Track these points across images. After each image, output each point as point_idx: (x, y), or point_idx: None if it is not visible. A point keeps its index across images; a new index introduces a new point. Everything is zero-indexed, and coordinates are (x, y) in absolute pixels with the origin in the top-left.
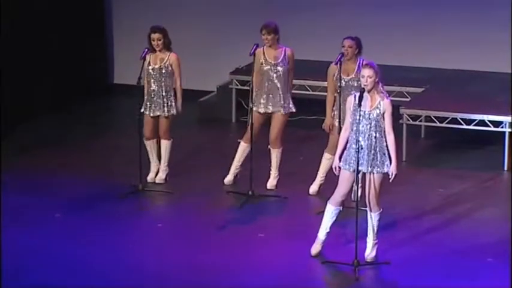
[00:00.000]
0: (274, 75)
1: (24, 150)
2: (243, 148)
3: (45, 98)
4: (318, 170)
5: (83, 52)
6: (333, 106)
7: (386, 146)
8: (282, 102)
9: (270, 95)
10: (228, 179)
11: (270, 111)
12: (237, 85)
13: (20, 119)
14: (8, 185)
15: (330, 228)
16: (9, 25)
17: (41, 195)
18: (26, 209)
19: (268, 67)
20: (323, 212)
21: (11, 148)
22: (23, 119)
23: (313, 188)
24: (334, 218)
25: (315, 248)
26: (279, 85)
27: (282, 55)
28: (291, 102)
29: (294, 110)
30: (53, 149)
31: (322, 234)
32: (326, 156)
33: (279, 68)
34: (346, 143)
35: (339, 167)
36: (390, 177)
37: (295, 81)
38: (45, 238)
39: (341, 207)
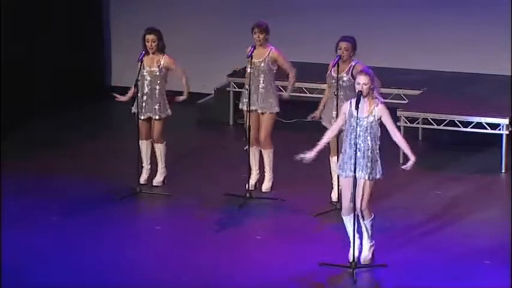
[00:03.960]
0: (257, 73)
1: (21, 151)
2: (251, 153)
3: (42, 99)
4: (331, 178)
5: (81, 54)
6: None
7: (378, 152)
8: (265, 100)
9: (256, 94)
10: (251, 183)
11: (259, 111)
12: (235, 87)
13: (17, 121)
14: (5, 187)
15: (358, 232)
16: (8, 26)
17: (38, 197)
18: (23, 211)
19: (252, 65)
20: (321, 214)
21: (8, 149)
22: (20, 120)
23: (334, 195)
24: (355, 225)
25: (350, 254)
26: (263, 84)
27: (266, 55)
28: (275, 102)
29: (277, 110)
30: (49, 150)
31: (352, 241)
32: (333, 160)
33: (262, 68)
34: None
35: (305, 158)
36: (406, 166)
37: None
38: (42, 240)
39: (354, 213)
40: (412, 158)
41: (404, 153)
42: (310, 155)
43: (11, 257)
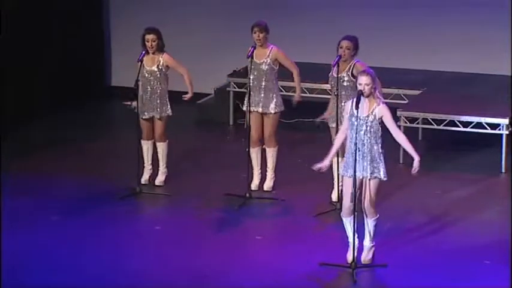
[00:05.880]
0: (259, 73)
1: (22, 152)
2: (253, 154)
3: (42, 100)
4: (332, 178)
5: (81, 54)
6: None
7: (381, 151)
8: (269, 100)
9: (259, 94)
10: (254, 183)
11: (261, 111)
12: (235, 87)
13: (17, 121)
14: (5, 187)
15: (357, 233)
16: (8, 26)
17: (38, 197)
18: (23, 211)
19: (253, 66)
20: (321, 214)
21: (8, 150)
22: (20, 121)
23: (334, 195)
24: (355, 227)
25: (349, 255)
26: (265, 85)
27: (268, 54)
28: (279, 101)
29: (282, 109)
30: (50, 151)
31: (351, 241)
32: (333, 161)
33: (263, 67)
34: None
35: (322, 168)
36: (414, 170)
37: (292, 84)
38: (42, 240)
39: (354, 215)
40: (417, 158)
41: (404, 153)
42: (325, 163)
43: (11, 257)
